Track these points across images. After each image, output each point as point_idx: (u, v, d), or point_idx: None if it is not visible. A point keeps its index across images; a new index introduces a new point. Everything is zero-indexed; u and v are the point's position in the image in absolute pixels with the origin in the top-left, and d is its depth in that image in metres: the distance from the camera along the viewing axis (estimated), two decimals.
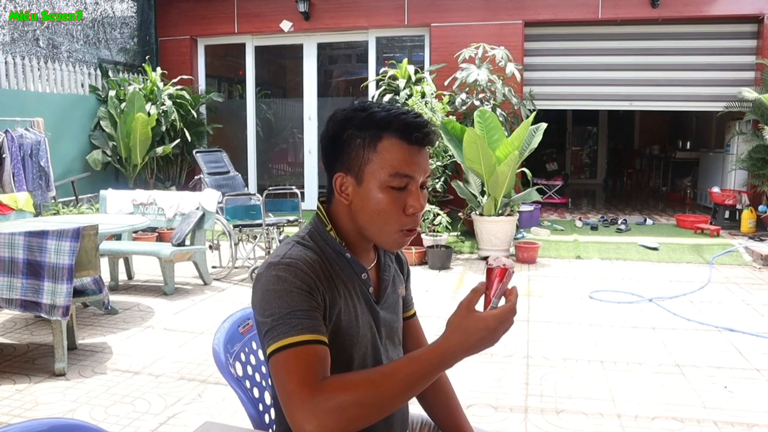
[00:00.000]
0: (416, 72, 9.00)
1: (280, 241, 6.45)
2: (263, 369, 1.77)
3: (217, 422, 3.12)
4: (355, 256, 1.47)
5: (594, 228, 9.21)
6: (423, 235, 7.26)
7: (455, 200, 8.71)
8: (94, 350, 4.34)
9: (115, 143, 9.25)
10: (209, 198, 6.30)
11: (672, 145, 14.00)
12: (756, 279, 6.49)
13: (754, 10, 9.10)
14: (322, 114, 10.95)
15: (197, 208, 6.20)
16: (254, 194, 7.17)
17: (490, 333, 1.25)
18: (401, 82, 8.80)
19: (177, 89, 9.83)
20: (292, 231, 7.32)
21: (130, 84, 9.58)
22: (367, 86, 9.98)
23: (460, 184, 7.66)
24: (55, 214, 7.15)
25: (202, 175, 7.56)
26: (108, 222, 5.22)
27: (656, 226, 9.44)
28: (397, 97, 8.63)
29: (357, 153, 1.38)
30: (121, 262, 6.33)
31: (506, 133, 7.49)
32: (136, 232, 7.02)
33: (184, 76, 10.27)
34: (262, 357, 1.79)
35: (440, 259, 6.98)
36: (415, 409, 1.74)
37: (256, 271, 6.17)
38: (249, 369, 1.73)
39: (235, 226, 6.58)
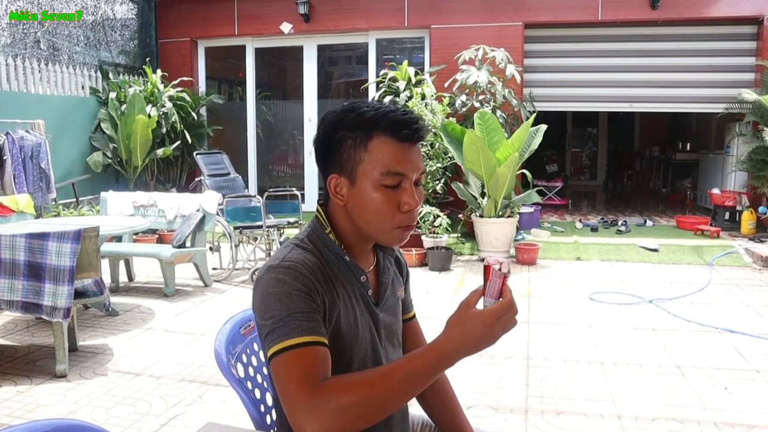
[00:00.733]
0: (416, 74, 9.01)
1: (280, 243, 6.45)
2: (264, 370, 1.77)
3: (219, 423, 3.12)
4: (353, 258, 1.48)
5: (594, 229, 9.21)
6: (423, 237, 7.27)
7: (455, 202, 8.72)
8: (95, 352, 4.34)
9: (115, 145, 9.26)
10: (210, 200, 6.30)
11: (672, 147, 14.02)
12: (756, 280, 6.49)
13: (753, 11, 9.10)
14: (322, 116, 10.94)
15: (198, 210, 6.21)
16: (254, 196, 7.18)
17: (488, 329, 1.24)
18: (401, 84, 8.81)
19: (177, 91, 9.84)
20: (292, 232, 7.33)
21: (130, 86, 9.58)
22: (367, 88, 9.98)
23: (461, 185, 7.66)
24: (55, 216, 7.16)
25: (202, 177, 7.57)
26: (109, 224, 5.22)
27: (656, 228, 9.45)
28: (398, 99, 8.64)
29: (349, 154, 1.38)
30: (121, 263, 6.34)
31: (506, 135, 7.49)
32: (136, 233, 7.03)
33: (185, 78, 10.29)
34: (263, 358, 1.76)
35: (440, 260, 6.98)
36: (416, 410, 1.74)
37: (256, 274, 6.17)
38: (250, 370, 1.73)
39: (235, 228, 6.58)
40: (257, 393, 1.70)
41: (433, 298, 5.83)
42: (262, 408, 1.68)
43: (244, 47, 11.03)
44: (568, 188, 14.35)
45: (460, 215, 8.33)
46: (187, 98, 9.95)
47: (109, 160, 9.28)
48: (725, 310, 5.36)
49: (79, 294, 4.22)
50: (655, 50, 9.69)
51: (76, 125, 9.04)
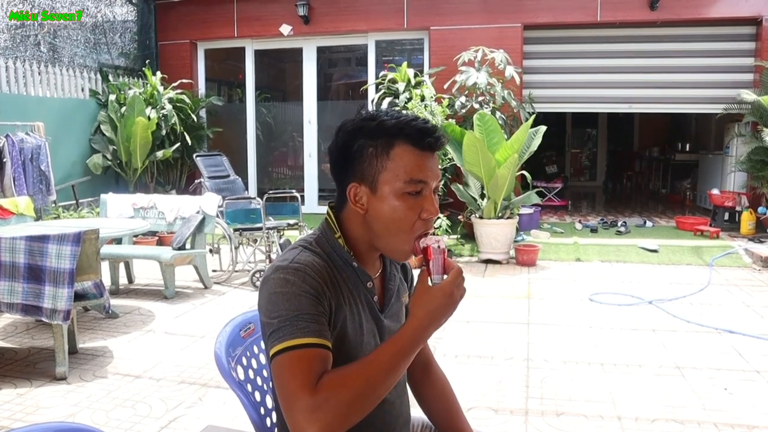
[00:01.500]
0: (416, 75, 9.01)
1: (280, 245, 6.45)
2: (264, 373, 1.77)
3: (219, 426, 3.13)
4: (361, 264, 1.48)
5: (594, 230, 9.21)
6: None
7: (455, 203, 8.72)
8: (95, 354, 4.34)
9: (115, 147, 9.27)
10: (209, 202, 6.30)
11: (671, 147, 14.02)
12: (756, 281, 6.50)
13: (752, 12, 9.11)
14: (321, 117, 10.97)
15: (197, 212, 6.21)
16: (254, 198, 7.18)
17: (448, 297, 1.32)
18: (401, 86, 8.81)
19: (177, 93, 9.85)
20: (292, 234, 7.33)
21: (130, 88, 9.58)
22: (366, 90, 9.98)
23: (460, 187, 7.67)
24: (55, 218, 7.16)
25: (202, 179, 7.57)
26: (108, 226, 5.23)
27: (656, 228, 9.45)
28: (397, 101, 8.64)
29: (370, 162, 1.39)
30: (121, 266, 6.34)
31: (506, 136, 7.49)
32: (136, 236, 7.01)
33: (184, 80, 10.29)
34: (263, 361, 1.79)
35: None
36: (416, 411, 1.74)
37: (258, 275, 6.18)
38: (251, 373, 1.73)
39: (235, 230, 6.58)
40: (257, 395, 1.70)
41: None
42: (262, 410, 1.68)
43: (243, 49, 11.04)
44: (568, 189, 14.35)
45: (459, 216, 8.34)
46: (187, 100, 9.96)
47: (109, 162, 9.28)
48: (725, 311, 5.36)
49: (79, 296, 4.21)
50: (654, 51, 9.70)
51: (75, 127, 9.05)
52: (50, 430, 1.13)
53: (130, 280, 6.50)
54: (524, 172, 7.92)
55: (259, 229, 6.50)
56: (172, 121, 9.47)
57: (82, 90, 9.43)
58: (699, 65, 9.61)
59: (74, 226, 4.75)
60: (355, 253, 1.47)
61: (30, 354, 4.33)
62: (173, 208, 6.40)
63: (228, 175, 7.81)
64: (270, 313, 1.31)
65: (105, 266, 5.75)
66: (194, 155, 8.02)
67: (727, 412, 3.36)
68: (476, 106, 8.50)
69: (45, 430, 1.12)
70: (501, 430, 3.18)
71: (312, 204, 10.76)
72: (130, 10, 10.72)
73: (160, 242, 7.81)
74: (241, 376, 1.68)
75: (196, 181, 8.19)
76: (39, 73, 8.50)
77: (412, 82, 8.88)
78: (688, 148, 13.25)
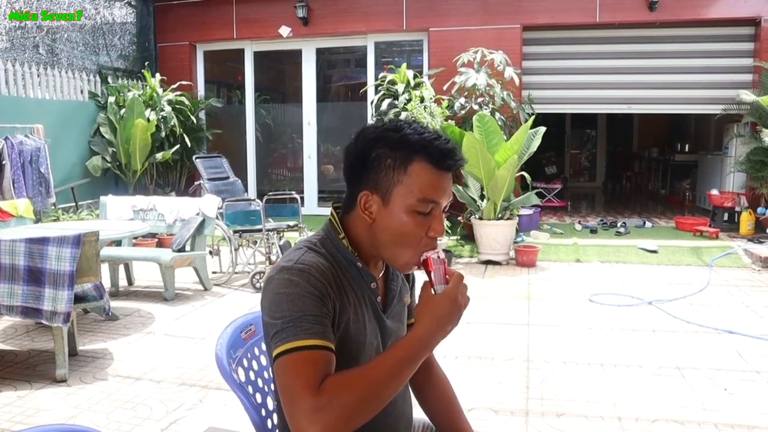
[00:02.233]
0: (415, 76, 9.00)
1: (280, 246, 6.45)
2: (265, 375, 1.77)
3: (220, 428, 3.13)
4: (365, 265, 1.49)
5: (593, 231, 9.22)
6: None
7: (454, 204, 8.67)
8: (95, 356, 4.34)
9: (114, 149, 9.26)
10: (209, 203, 6.30)
11: (671, 148, 14.02)
12: (755, 281, 6.50)
13: (751, 12, 9.12)
14: (321, 119, 10.98)
15: (197, 214, 6.21)
16: (254, 199, 7.18)
17: (452, 303, 1.33)
18: (400, 87, 8.81)
19: (176, 95, 9.84)
20: (292, 236, 7.33)
21: (129, 90, 9.59)
22: (366, 91, 9.99)
23: (460, 188, 7.66)
24: (55, 220, 7.16)
25: (201, 181, 7.57)
26: (108, 228, 5.22)
27: (655, 229, 9.45)
28: (396, 102, 8.64)
29: (386, 173, 1.38)
30: (121, 268, 6.33)
31: (505, 137, 7.50)
32: (136, 238, 7.01)
33: (184, 82, 10.29)
34: (264, 363, 1.79)
35: None
36: (417, 412, 1.75)
37: (258, 276, 6.18)
38: (251, 375, 1.73)
39: (235, 232, 6.58)
40: (258, 397, 1.70)
41: None
42: (263, 412, 1.68)
43: (242, 51, 11.04)
44: (568, 190, 14.35)
45: (459, 217, 8.33)
46: (186, 102, 9.95)
47: (109, 164, 9.28)
48: (725, 311, 5.36)
49: (78, 298, 4.21)
50: (653, 52, 9.70)
51: (75, 129, 9.05)
52: None
53: (130, 282, 6.49)
54: (524, 173, 7.92)
55: (259, 230, 6.50)
56: (172, 123, 9.47)
57: (82, 92, 9.42)
58: (698, 66, 9.61)
59: (74, 228, 4.75)
60: (358, 253, 1.48)
61: (30, 356, 4.32)
62: (173, 210, 6.40)
63: (227, 177, 7.81)
64: (273, 314, 1.31)
65: (105, 268, 5.74)
66: (194, 157, 8.01)
67: (727, 412, 3.37)
68: (476, 107, 8.50)
69: None
70: (502, 431, 3.18)
71: (312, 205, 10.76)
72: (129, 12, 10.72)
73: (160, 244, 7.81)
74: (242, 378, 1.68)
75: (195, 182, 8.19)
76: (38, 76, 8.50)
77: (412, 83, 8.88)
78: (687, 149, 13.26)
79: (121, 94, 9.46)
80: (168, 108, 9.51)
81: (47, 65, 8.81)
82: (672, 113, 12.42)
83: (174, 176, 10.25)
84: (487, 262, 7.35)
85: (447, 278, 1.39)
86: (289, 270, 1.34)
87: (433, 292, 1.36)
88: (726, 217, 9.09)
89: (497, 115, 8.48)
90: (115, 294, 6.08)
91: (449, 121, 8.32)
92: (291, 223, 6.83)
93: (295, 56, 10.99)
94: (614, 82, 9.85)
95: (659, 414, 3.35)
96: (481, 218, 7.38)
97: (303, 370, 1.23)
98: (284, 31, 10.42)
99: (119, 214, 6.46)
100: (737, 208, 8.99)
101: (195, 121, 10.15)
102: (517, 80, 8.62)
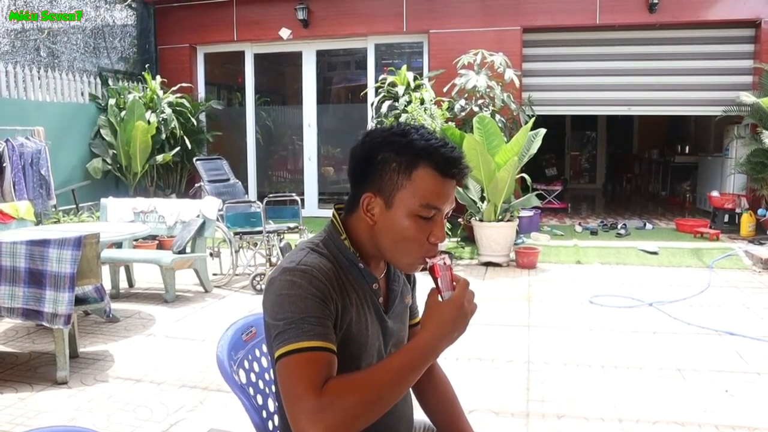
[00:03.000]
0: (415, 78, 9.01)
1: (280, 248, 6.45)
2: (266, 376, 1.78)
3: (221, 430, 3.13)
4: (367, 266, 1.49)
5: (594, 233, 9.21)
6: None
7: (455, 206, 8.70)
8: (95, 358, 4.34)
9: (115, 151, 9.27)
10: (209, 205, 6.30)
11: (671, 150, 14.02)
12: (756, 282, 6.49)
13: (751, 14, 9.13)
14: (321, 121, 10.98)
15: (198, 216, 6.21)
16: (254, 201, 7.17)
17: (459, 309, 1.34)
18: (400, 89, 8.81)
19: (177, 97, 9.84)
20: (292, 238, 7.33)
21: (129, 92, 9.59)
22: (366, 93, 9.99)
23: (460, 189, 7.64)
24: (55, 222, 7.16)
25: (202, 183, 7.57)
26: (109, 230, 5.23)
27: (656, 231, 9.44)
28: (397, 104, 8.64)
29: (390, 177, 1.39)
30: (122, 269, 6.33)
31: (505, 139, 7.50)
32: (136, 240, 7.02)
33: (184, 84, 10.28)
34: (265, 364, 1.79)
35: None
36: (418, 414, 1.75)
37: (258, 278, 6.18)
38: (252, 376, 1.74)
39: (235, 234, 6.58)
40: (259, 399, 1.71)
41: None
42: (264, 414, 1.68)
43: (243, 53, 11.05)
44: (568, 191, 14.32)
45: (459, 219, 8.34)
46: (187, 104, 9.95)
47: (109, 167, 9.28)
48: (725, 313, 5.35)
49: (79, 300, 4.21)
50: (653, 54, 9.71)
51: (75, 132, 9.05)
52: None
53: (131, 284, 6.49)
54: (524, 174, 7.92)
55: (260, 232, 6.49)
56: (172, 125, 9.47)
57: (82, 94, 9.43)
58: (698, 68, 9.62)
59: (74, 231, 4.74)
60: (360, 254, 1.48)
61: (31, 358, 4.32)
62: (173, 212, 6.40)
63: (228, 179, 7.81)
64: (276, 315, 1.31)
65: (105, 270, 5.74)
66: (194, 159, 8.02)
67: (727, 413, 3.36)
68: (476, 109, 8.50)
69: None
70: None
71: (312, 207, 10.76)
72: (129, 14, 10.73)
73: (161, 246, 7.81)
74: (243, 380, 1.68)
75: (196, 185, 8.19)
76: (39, 78, 8.51)
77: (412, 85, 8.89)
78: (687, 150, 13.26)
79: (122, 97, 9.46)
80: (168, 110, 9.51)
81: (48, 67, 8.82)
82: (672, 115, 12.41)
83: (174, 178, 10.25)
84: (488, 264, 7.35)
85: (454, 284, 1.39)
86: (291, 271, 1.34)
87: (440, 298, 1.37)
88: (726, 218, 9.09)
89: (497, 117, 8.49)
90: (116, 296, 6.08)
91: (449, 123, 8.33)
92: (291, 225, 6.83)
93: (296, 58, 10.99)
94: (614, 83, 9.85)
95: (660, 416, 3.35)
96: (481, 220, 7.38)
97: (305, 371, 1.24)
98: (284, 33, 10.42)
99: (120, 216, 6.46)
100: (737, 210, 8.99)
101: (195, 123, 10.15)
102: (517, 82, 8.63)
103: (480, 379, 3.91)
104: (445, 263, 1.40)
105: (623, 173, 16.33)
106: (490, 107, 8.55)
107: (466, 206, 7.74)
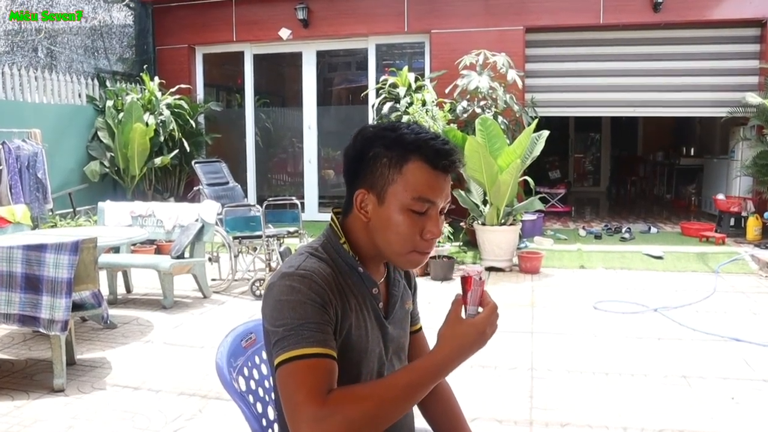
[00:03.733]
0: (417, 79, 8.96)
1: (280, 253, 6.40)
2: (266, 384, 1.77)
3: None
4: (367, 270, 1.48)
5: (598, 237, 9.15)
6: None
7: (457, 210, 8.62)
8: (93, 365, 4.30)
9: (112, 154, 9.21)
10: (208, 209, 6.25)
11: (676, 152, 13.99)
12: (762, 287, 6.43)
13: (757, 14, 9.07)
14: (321, 123, 10.93)
15: (196, 220, 6.16)
16: (254, 205, 7.13)
17: (480, 335, 1.34)
18: (401, 90, 8.76)
19: (175, 99, 9.79)
20: (292, 242, 7.28)
21: (127, 94, 9.54)
22: (367, 95, 9.94)
23: (462, 193, 7.60)
24: (52, 226, 7.12)
25: (201, 186, 7.53)
26: (106, 234, 5.19)
27: (661, 234, 9.38)
28: (398, 105, 8.60)
29: (382, 172, 1.39)
30: (119, 275, 6.30)
31: (508, 141, 7.44)
32: (134, 244, 6.96)
33: (183, 86, 10.22)
34: (265, 372, 1.79)
35: (442, 269, 6.92)
36: (420, 422, 1.72)
37: (258, 283, 6.13)
38: (252, 384, 1.73)
39: (234, 238, 6.53)
40: (259, 407, 1.70)
41: (436, 308, 5.73)
42: (264, 422, 1.68)
43: (242, 53, 10.99)
44: (571, 195, 14.27)
45: (461, 223, 8.29)
46: (185, 106, 9.89)
47: (107, 170, 9.22)
48: (731, 319, 5.30)
49: (76, 306, 4.18)
50: (657, 54, 9.65)
51: (72, 134, 9.00)
52: None
53: (129, 290, 6.45)
54: (527, 177, 7.87)
55: (259, 237, 6.45)
56: (170, 128, 9.41)
57: (79, 96, 9.38)
58: (703, 68, 9.55)
59: (72, 235, 4.71)
60: (360, 258, 1.47)
61: (27, 365, 4.28)
62: (172, 216, 6.35)
63: (227, 182, 7.77)
64: (275, 321, 1.30)
65: (103, 275, 5.69)
66: (193, 162, 7.98)
67: (734, 422, 3.32)
68: (478, 110, 8.44)
69: None
70: None
71: (312, 211, 10.70)
72: (127, 15, 10.69)
73: (159, 251, 7.77)
74: (243, 387, 1.67)
75: (194, 188, 8.15)
76: (36, 79, 8.46)
77: (413, 86, 8.83)
78: (692, 153, 13.23)
79: (120, 98, 9.41)
80: (167, 112, 9.46)
81: (45, 69, 8.78)
82: (677, 116, 12.36)
83: (173, 181, 10.19)
84: (490, 269, 7.29)
85: (481, 301, 1.38)
86: (290, 276, 1.33)
87: (463, 311, 1.37)
88: (732, 222, 9.00)
89: (500, 118, 8.42)
90: (114, 302, 6.04)
91: (451, 124, 8.28)
92: (291, 230, 6.79)
93: (296, 59, 10.94)
94: (618, 84, 9.80)
95: (665, 424, 3.30)
96: (483, 224, 7.32)
97: (305, 378, 1.22)
98: (284, 33, 10.37)
99: (117, 221, 6.41)
100: (744, 213, 8.90)
101: (194, 125, 10.09)
102: (520, 83, 8.57)
103: (483, 386, 3.86)
104: (480, 278, 1.38)
105: (628, 176, 16.26)
106: (493, 109, 8.50)
107: (468, 210, 7.68)
